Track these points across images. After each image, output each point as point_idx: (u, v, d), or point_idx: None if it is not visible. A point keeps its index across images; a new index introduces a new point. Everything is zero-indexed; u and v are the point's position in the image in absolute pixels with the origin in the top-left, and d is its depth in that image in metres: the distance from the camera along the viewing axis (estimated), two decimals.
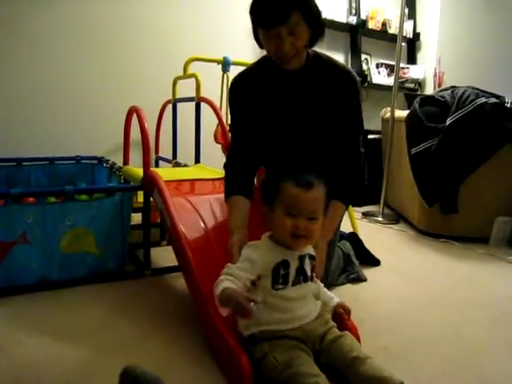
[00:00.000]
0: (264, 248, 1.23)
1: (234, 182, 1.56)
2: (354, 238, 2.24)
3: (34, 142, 2.70)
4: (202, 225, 1.62)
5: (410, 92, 4.00)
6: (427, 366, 1.34)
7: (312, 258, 1.29)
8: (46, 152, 2.69)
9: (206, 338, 1.38)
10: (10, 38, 2.58)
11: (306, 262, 1.25)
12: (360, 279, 1.99)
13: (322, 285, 1.37)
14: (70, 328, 1.49)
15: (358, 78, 1.58)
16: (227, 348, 1.19)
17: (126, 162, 2.30)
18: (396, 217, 3.22)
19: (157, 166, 2.85)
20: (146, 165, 1.86)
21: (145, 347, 1.38)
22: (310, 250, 1.29)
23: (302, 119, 1.55)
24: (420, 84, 4.16)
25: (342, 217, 1.69)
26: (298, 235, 1.18)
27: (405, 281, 2.05)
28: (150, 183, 1.81)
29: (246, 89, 1.58)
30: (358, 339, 1.27)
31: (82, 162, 2.76)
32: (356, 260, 2.06)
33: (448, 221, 2.70)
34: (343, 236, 2.17)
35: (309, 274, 1.26)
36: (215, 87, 2.74)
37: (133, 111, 2.13)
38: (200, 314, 1.40)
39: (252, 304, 1.06)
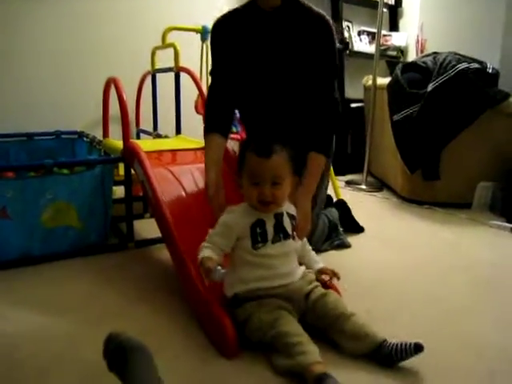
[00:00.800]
0: (239, 212, 1.27)
1: (213, 119, 1.60)
2: (342, 204, 2.24)
3: (11, 117, 2.64)
4: (184, 195, 1.61)
5: (392, 59, 3.99)
6: (410, 328, 1.35)
7: (292, 217, 1.32)
8: (24, 128, 2.63)
9: (191, 305, 1.39)
10: None
11: (284, 220, 1.28)
12: (344, 245, 2.01)
13: (307, 245, 1.42)
14: (54, 301, 1.48)
15: (331, 22, 1.56)
16: (211, 314, 1.21)
17: (105, 134, 2.26)
18: (379, 185, 3.24)
19: (138, 138, 2.80)
20: (125, 136, 1.83)
21: (130, 316, 1.38)
22: (289, 208, 1.32)
23: (275, 60, 1.55)
24: (402, 51, 4.12)
25: (325, 171, 1.67)
26: (265, 201, 1.23)
27: (388, 247, 2.07)
28: (130, 154, 1.78)
29: (226, 29, 1.60)
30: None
31: (62, 137, 2.70)
32: (341, 227, 2.07)
33: (430, 187, 2.72)
34: (331, 201, 2.18)
35: (289, 232, 1.28)
36: (195, 57, 2.69)
37: (110, 82, 2.08)
38: (184, 283, 1.40)
39: (218, 268, 1.16)
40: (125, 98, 1.88)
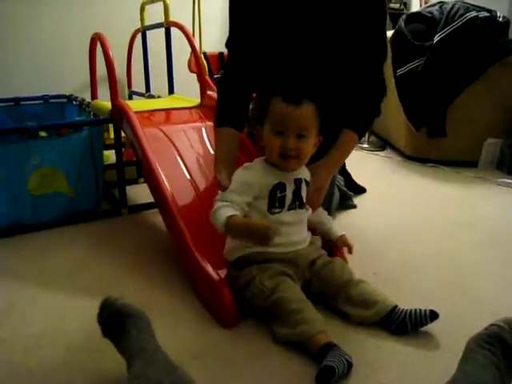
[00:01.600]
0: (259, 170, 1.14)
1: (227, 108, 1.35)
2: (342, 168, 2.13)
3: None
4: (177, 155, 1.51)
5: (394, 11, 3.81)
6: (418, 289, 1.30)
7: (307, 184, 1.21)
8: (10, 93, 2.51)
9: (187, 273, 1.31)
10: None
11: (302, 187, 1.18)
12: (350, 206, 1.93)
13: (325, 212, 1.34)
14: (45, 271, 1.41)
15: None
16: (208, 281, 1.13)
17: (94, 96, 2.14)
18: (382, 143, 3.13)
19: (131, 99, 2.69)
20: (113, 95, 1.71)
21: (124, 284, 1.32)
22: (306, 175, 1.22)
23: (312, 30, 1.31)
24: (405, 3, 3.94)
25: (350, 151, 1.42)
26: (287, 155, 1.10)
27: (393, 207, 1.99)
28: (118, 114, 1.68)
29: None
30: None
31: (51, 101, 2.58)
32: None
33: (436, 145, 2.62)
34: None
35: (304, 200, 1.20)
36: (186, 12, 2.54)
37: (96, 39, 1.95)
38: (179, 250, 1.32)
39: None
40: (111, 54, 1.75)
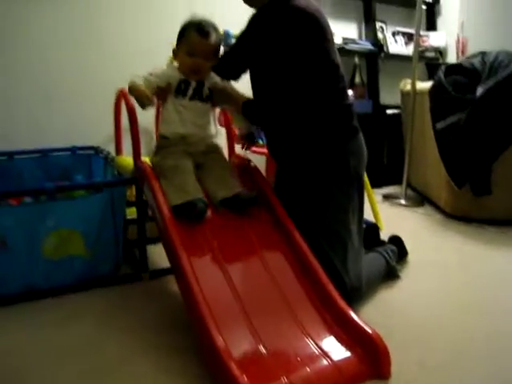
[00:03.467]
0: (173, 69, 1.59)
1: None
2: (396, 240, 1.96)
3: (25, 134, 2.50)
4: (207, 236, 1.38)
5: (431, 61, 3.71)
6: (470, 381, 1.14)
7: (210, 90, 1.61)
8: (39, 144, 2.48)
9: (205, 358, 1.16)
10: None
11: (203, 89, 1.59)
12: (394, 276, 1.77)
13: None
14: (54, 347, 1.31)
15: (304, 14, 1.44)
16: (226, 371, 0.99)
17: (118, 151, 2.08)
18: (420, 199, 2.96)
19: None
20: (135, 156, 1.63)
21: (129, 372, 1.19)
22: (210, 82, 1.61)
23: (257, 57, 1.58)
24: (441, 52, 3.83)
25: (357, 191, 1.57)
26: (195, 70, 1.54)
27: (435, 275, 1.82)
28: (140, 176, 1.58)
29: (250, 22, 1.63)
30: (386, 354, 1.12)
31: (78, 152, 2.55)
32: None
33: (479, 203, 2.44)
34: (376, 232, 1.95)
35: (204, 97, 1.59)
36: None
37: (120, 96, 1.90)
38: (197, 331, 1.17)
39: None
40: (135, 112, 1.68)
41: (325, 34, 1.50)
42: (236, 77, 1.73)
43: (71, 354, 1.27)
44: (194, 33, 1.52)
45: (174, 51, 1.60)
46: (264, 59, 1.55)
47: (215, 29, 1.57)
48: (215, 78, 1.63)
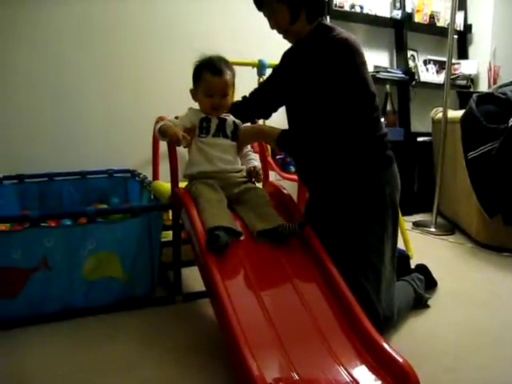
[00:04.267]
0: (194, 111, 1.67)
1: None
2: (423, 269, 1.96)
3: (64, 156, 2.59)
4: (239, 256, 1.42)
5: (462, 89, 3.71)
6: None
7: (236, 125, 1.67)
8: (77, 166, 2.58)
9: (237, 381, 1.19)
10: (34, 51, 2.49)
11: (226, 125, 1.65)
12: (423, 305, 1.77)
13: (250, 153, 1.77)
14: (89, 365, 1.36)
15: (348, 46, 1.44)
16: None
17: (155, 176, 2.15)
18: (451, 227, 2.94)
19: None
20: (173, 181, 1.70)
21: None
22: (233, 118, 1.68)
23: (297, 90, 1.60)
24: (473, 80, 3.83)
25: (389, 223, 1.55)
26: (215, 108, 1.63)
27: (466, 306, 1.80)
28: (177, 202, 1.64)
29: (284, 56, 1.75)
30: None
31: (115, 175, 2.65)
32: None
33: (511, 232, 2.41)
34: (407, 262, 1.94)
35: (228, 133, 1.65)
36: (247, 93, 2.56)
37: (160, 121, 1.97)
38: (231, 357, 1.21)
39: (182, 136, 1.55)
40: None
41: (365, 64, 1.49)
42: (268, 115, 1.82)
43: (104, 373, 1.31)
44: (208, 73, 1.58)
45: (191, 92, 1.67)
46: (305, 91, 1.55)
47: (226, 63, 1.63)
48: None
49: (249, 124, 1.73)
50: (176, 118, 1.71)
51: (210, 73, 1.58)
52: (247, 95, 1.83)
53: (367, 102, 1.51)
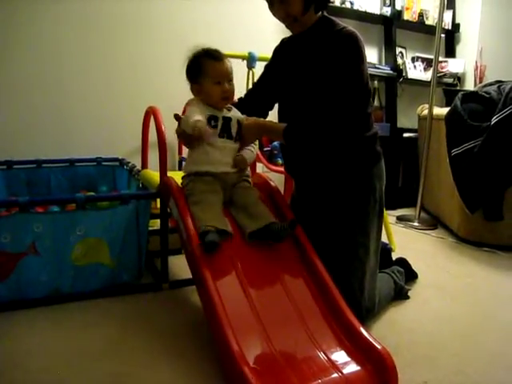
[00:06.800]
0: (197, 105, 1.54)
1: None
2: (402, 262, 2.00)
3: (53, 143, 2.60)
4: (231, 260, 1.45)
5: (448, 87, 3.76)
6: None
7: (239, 124, 1.58)
8: (66, 154, 2.58)
9: (222, 367, 1.23)
10: (24, 41, 2.48)
11: (231, 124, 1.57)
12: (403, 296, 1.82)
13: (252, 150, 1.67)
14: (76, 349, 1.38)
15: (356, 41, 1.45)
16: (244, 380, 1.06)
17: (144, 165, 2.17)
18: (433, 222, 3.01)
19: (180, 167, 2.71)
20: (161, 170, 1.72)
21: (148, 377, 1.25)
22: (236, 116, 1.60)
23: (297, 83, 1.57)
24: (459, 79, 3.89)
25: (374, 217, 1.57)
26: (227, 97, 1.54)
27: (445, 298, 1.86)
28: (165, 191, 1.67)
29: (276, 52, 1.72)
30: (394, 370, 1.14)
31: (103, 163, 2.65)
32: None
33: (492, 228, 2.49)
34: (389, 256, 1.98)
35: (233, 134, 1.57)
36: (240, 85, 2.58)
37: (150, 112, 2.00)
38: (215, 340, 1.24)
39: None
40: (164, 129, 1.78)
41: (366, 59, 1.49)
42: (266, 113, 1.75)
43: (92, 357, 1.34)
44: (211, 60, 1.52)
45: (194, 89, 1.56)
46: (306, 82, 1.53)
47: (218, 50, 1.58)
48: (239, 112, 1.62)
49: (250, 118, 1.60)
50: (178, 116, 1.60)
51: (213, 59, 1.52)
52: (243, 96, 1.78)
53: (365, 96, 1.53)
